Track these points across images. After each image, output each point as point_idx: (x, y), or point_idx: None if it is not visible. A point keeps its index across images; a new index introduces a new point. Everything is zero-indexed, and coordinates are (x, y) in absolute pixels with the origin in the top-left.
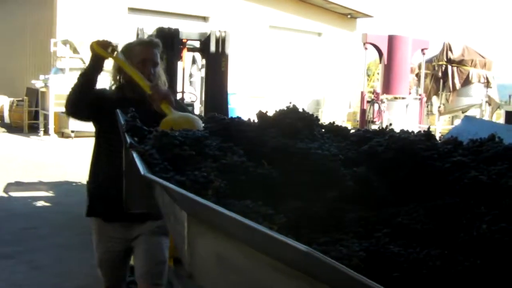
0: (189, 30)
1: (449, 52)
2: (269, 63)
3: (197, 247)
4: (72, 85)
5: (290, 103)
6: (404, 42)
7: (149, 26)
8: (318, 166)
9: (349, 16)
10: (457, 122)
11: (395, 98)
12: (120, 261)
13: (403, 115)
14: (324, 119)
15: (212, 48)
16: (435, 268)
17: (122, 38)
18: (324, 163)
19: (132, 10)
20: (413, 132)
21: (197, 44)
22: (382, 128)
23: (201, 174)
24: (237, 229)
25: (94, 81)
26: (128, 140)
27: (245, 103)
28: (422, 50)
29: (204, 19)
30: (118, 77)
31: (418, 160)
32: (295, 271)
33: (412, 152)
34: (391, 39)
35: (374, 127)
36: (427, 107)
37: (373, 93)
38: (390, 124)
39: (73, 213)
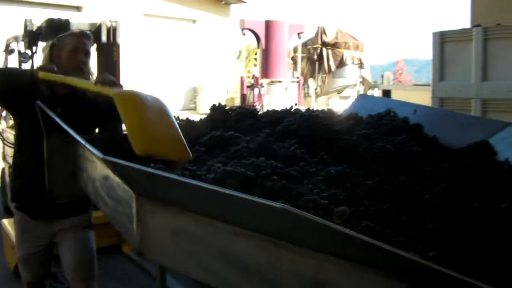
0: (79, 21)
1: (323, 36)
2: (145, 51)
3: (148, 224)
4: None
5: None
6: (280, 27)
7: (38, 18)
8: None
9: (223, 2)
10: (333, 102)
11: (272, 82)
12: (45, 256)
13: (282, 97)
14: (203, 106)
15: (104, 38)
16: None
17: None
18: None
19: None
20: (318, 110)
21: None
22: (288, 108)
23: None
24: (210, 198)
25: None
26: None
27: None
28: (298, 34)
29: (78, 8)
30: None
31: (329, 135)
32: (257, 234)
33: (323, 128)
34: (268, 24)
35: None
36: (304, 89)
37: (252, 78)
38: (296, 104)
39: None
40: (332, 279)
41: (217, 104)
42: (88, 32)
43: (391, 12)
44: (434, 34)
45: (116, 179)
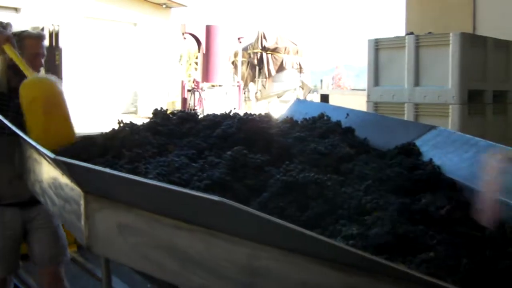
0: (19, 24)
1: (263, 40)
2: (85, 55)
3: (96, 221)
4: None
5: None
6: (221, 31)
7: None
8: None
9: (164, 6)
10: (272, 106)
11: (213, 86)
12: (18, 246)
13: (223, 102)
14: (144, 109)
15: (46, 42)
16: None
17: None
18: None
19: None
20: (255, 114)
21: None
22: (227, 112)
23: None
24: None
25: None
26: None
27: None
28: (239, 38)
29: (16, 10)
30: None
31: (266, 138)
32: (196, 226)
33: (260, 131)
34: (208, 29)
35: None
36: (244, 93)
37: (193, 82)
38: (235, 108)
39: None
40: (266, 267)
41: (159, 109)
42: (44, 33)
43: (331, 18)
44: (369, 41)
45: (64, 178)
